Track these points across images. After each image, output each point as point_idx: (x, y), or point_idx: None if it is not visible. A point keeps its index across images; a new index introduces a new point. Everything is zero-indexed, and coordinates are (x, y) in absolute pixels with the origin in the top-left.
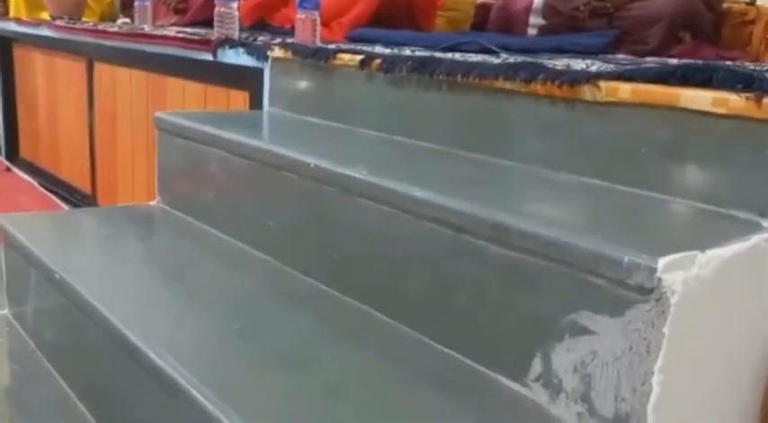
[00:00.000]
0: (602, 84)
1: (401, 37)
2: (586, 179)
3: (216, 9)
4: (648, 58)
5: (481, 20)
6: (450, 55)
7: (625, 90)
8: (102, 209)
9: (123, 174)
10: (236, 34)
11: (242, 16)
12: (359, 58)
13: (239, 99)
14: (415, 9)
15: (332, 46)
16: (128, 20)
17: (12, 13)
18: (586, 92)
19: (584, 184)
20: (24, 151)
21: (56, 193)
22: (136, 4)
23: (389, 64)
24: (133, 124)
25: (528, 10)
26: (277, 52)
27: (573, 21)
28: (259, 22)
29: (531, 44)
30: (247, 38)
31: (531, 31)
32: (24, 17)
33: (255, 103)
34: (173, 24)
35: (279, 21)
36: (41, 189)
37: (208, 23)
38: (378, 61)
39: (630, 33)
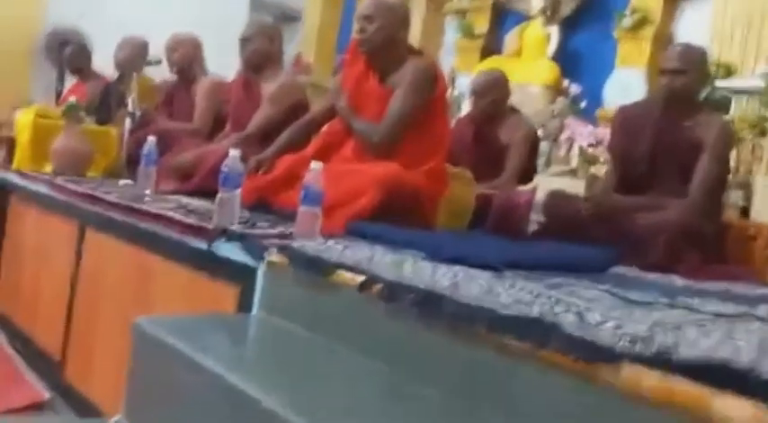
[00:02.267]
0: (624, 368)
1: (403, 239)
2: None
3: (218, 195)
4: (652, 275)
5: (481, 210)
6: (455, 272)
7: (650, 380)
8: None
9: (98, 349)
10: (235, 222)
11: (243, 195)
12: (359, 279)
13: (230, 294)
14: (422, 202)
15: (331, 257)
16: (130, 181)
17: (15, 163)
18: (603, 372)
19: None
20: None
21: (23, 355)
22: (141, 167)
23: (390, 292)
24: (116, 301)
25: (529, 205)
26: (273, 256)
27: (574, 222)
28: (260, 202)
29: (537, 259)
30: (247, 221)
31: (533, 227)
32: (27, 168)
33: (246, 300)
34: (173, 191)
35: (281, 203)
36: (8, 349)
37: (212, 193)
38: (378, 287)
39: (633, 244)
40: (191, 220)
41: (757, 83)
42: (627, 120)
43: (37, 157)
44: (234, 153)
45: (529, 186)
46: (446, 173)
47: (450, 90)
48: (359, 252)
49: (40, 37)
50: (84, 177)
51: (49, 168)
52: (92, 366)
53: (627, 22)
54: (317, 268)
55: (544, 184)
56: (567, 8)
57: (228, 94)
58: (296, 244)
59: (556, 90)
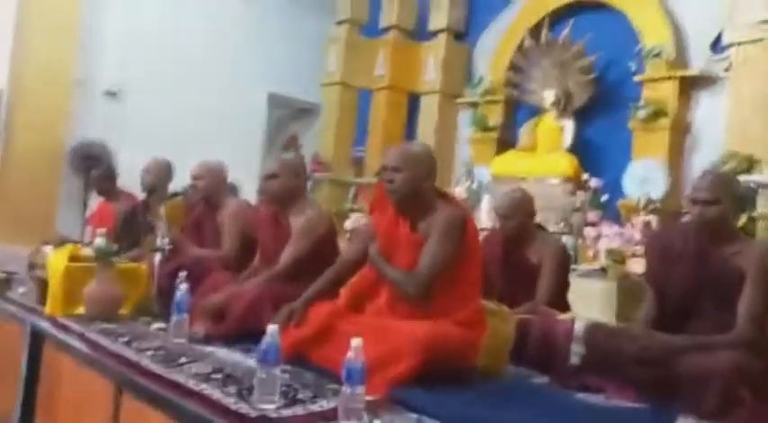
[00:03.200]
0: None
1: (446, 415)
2: None
3: (257, 375)
4: None
5: (521, 337)
6: None
7: None
8: None
9: None
10: (276, 399)
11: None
12: None
13: None
14: (463, 352)
15: None
16: (162, 325)
17: (48, 308)
18: None
19: None
20: None
21: None
22: (174, 317)
23: None
24: None
25: (569, 336)
26: None
27: (617, 360)
28: (297, 355)
29: None
30: (288, 392)
31: (574, 359)
32: (60, 313)
33: None
34: (206, 336)
35: (318, 358)
36: None
37: (245, 337)
38: None
39: (683, 390)
40: (229, 403)
41: None
42: (662, 249)
43: (70, 301)
44: (272, 329)
45: (566, 316)
46: (483, 316)
47: (467, 183)
48: None
49: (67, 149)
50: (117, 319)
51: (81, 310)
52: None
53: (641, 114)
54: None
55: (574, 286)
56: (579, 100)
57: (254, 219)
58: None
59: (575, 182)
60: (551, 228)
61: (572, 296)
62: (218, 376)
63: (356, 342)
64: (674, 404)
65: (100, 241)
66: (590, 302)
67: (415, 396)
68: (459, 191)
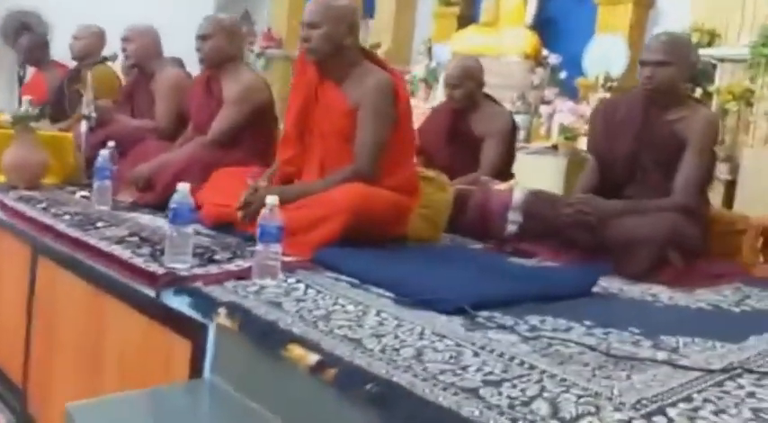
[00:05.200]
0: None
1: (373, 275)
2: None
3: (168, 233)
4: (634, 291)
5: (459, 206)
6: (421, 328)
7: None
8: None
9: (59, 380)
10: (189, 259)
11: (205, 215)
12: (311, 359)
13: (183, 348)
14: (392, 218)
15: (284, 327)
16: (87, 193)
17: None
18: None
19: None
20: None
21: None
22: (95, 183)
23: (345, 379)
24: (74, 337)
25: (506, 207)
26: (222, 319)
27: (554, 226)
28: (223, 223)
29: (514, 291)
30: (204, 253)
31: (511, 228)
32: None
33: (198, 356)
34: (133, 202)
35: (244, 227)
36: None
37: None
38: (332, 372)
39: (616, 252)
40: (138, 262)
41: (742, 51)
42: (607, 118)
43: None
44: (182, 187)
45: (505, 185)
46: (417, 182)
47: (426, 62)
48: (319, 301)
49: None
50: (40, 188)
51: (2, 179)
52: (52, 398)
53: None
54: (268, 343)
55: (525, 164)
56: None
57: (190, 90)
58: (247, 305)
59: (535, 60)
60: (508, 106)
61: (523, 174)
62: (134, 239)
63: (271, 199)
64: (602, 265)
65: (21, 107)
66: (540, 180)
67: (336, 257)
68: (417, 69)
